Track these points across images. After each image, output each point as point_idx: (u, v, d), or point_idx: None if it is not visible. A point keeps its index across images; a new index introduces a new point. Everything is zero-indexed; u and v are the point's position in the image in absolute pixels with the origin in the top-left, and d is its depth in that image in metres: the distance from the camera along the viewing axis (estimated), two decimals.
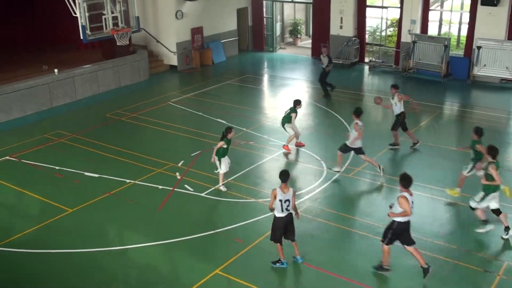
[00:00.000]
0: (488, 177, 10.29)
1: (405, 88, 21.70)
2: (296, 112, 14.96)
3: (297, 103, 15.00)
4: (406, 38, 23.31)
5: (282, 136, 15.86)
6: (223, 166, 12.61)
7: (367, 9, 24.98)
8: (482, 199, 10.58)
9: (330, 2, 25.27)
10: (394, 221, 9.30)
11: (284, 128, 15.06)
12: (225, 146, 12.38)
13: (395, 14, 25.59)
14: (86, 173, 13.82)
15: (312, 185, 12.99)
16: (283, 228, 9.62)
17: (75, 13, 17.56)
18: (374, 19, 26.59)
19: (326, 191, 12.78)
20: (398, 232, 9.35)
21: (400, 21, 23.78)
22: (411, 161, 14.66)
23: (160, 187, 13.04)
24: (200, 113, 18.30)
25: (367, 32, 25.85)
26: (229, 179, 13.31)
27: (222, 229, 11.12)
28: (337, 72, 23.99)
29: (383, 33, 26.14)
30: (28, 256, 10.44)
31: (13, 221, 11.88)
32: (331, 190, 12.82)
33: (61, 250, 10.59)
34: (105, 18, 18.33)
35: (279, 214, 9.50)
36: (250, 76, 23.65)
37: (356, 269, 9.83)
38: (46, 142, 16.02)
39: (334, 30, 25.57)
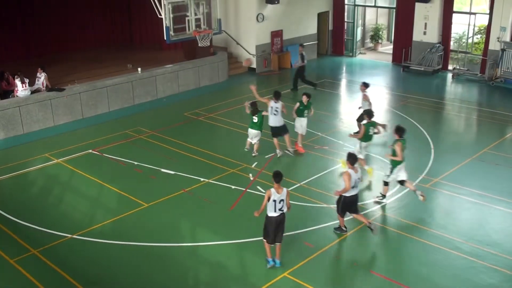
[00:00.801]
0: (393, 152, 11.68)
1: (492, 98, 20.80)
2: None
3: (306, 96, 14.89)
4: (494, 45, 22.28)
5: (358, 142, 15.57)
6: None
7: (454, 15, 24.10)
8: (391, 172, 11.89)
9: (415, 7, 24.62)
10: (341, 196, 10.65)
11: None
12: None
13: (483, 20, 24.51)
14: (163, 170, 14.22)
15: (388, 194, 12.65)
16: (276, 227, 9.65)
17: (160, 15, 18.11)
18: (460, 26, 25.60)
19: (401, 200, 12.42)
20: (348, 205, 10.80)
21: (488, 28, 22.76)
22: (497, 174, 13.94)
23: (233, 187, 13.18)
24: None
25: (452, 38, 24.94)
26: (301, 183, 13.25)
27: (292, 233, 11.06)
28: (419, 79, 23.36)
29: (470, 40, 25.10)
30: (105, 246, 10.87)
31: (93, 212, 12.41)
32: (406, 200, 12.45)
33: (136, 242, 10.94)
34: (188, 20, 18.76)
35: (271, 213, 9.58)
36: (327, 81, 23.45)
37: (425, 282, 9.47)
38: (126, 138, 16.65)
39: (417, 36, 24.89)
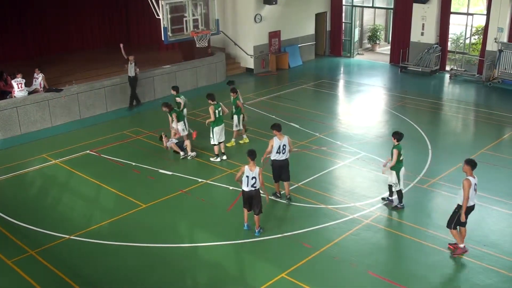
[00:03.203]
0: (398, 157, 11.55)
1: (489, 99, 20.85)
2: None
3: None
4: (491, 46, 22.33)
5: (356, 143, 15.64)
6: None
7: (451, 15, 24.14)
8: (398, 179, 11.67)
9: (412, 8, 24.66)
10: (270, 159, 11.97)
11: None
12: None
13: (480, 21, 24.55)
14: (161, 170, 14.21)
15: (385, 194, 12.66)
16: (248, 200, 10.83)
17: (158, 15, 18.10)
18: (457, 26, 25.65)
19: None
20: (276, 168, 11.93)
21: (486, 28, 22.80)
22: (495, 175, 13.97)
23: (231, 188, 13.18)
24: (274, 116, 18.33)
25: (449, 39, 24.98)
26: (299, 184, 13.27)
27: (290, 233, 11.08)
28: (416, 80, 23.40)
29: (467, 41, 25.15)
30: (103, 246, 10.86)
31: (91, 212, 12.39)
32: (404, 200, 12.42)
33: (134, 243, 10.93)
34: (186, 21, 18.75)
35: (245, 188, 10.76)
36: (325, 81, 23.47)
37: (423, 282, 9.48)
38: (124, 139, 16.63)
39: (414, 36, 24.94)
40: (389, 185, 12.07)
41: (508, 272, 9.67)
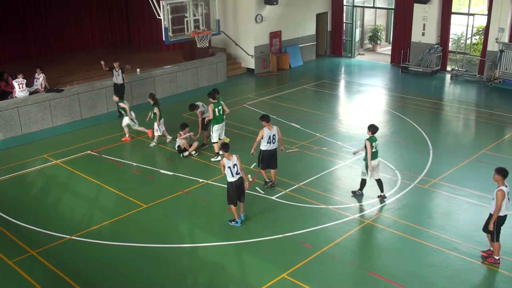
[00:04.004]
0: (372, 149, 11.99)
1: (490, 99, 20.83)
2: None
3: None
4: (492, 47, 22.31)
5: (357, 143, 15.61)
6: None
7: (452, 16, 24.13)
8: (366, 169, 12.14)
9: (413, 8, 24.66)
10: (261, 150, 12.58)
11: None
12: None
13: (481, 21, 24.54)
14: (161, 171, 14.22)
15: (386, 194, 12.66)
16: (236, 191, 11.12)
17: (159, 15, 18.11)
18: (458, 27, 25.64)
19: (399, 201, 12.42)
20: (266, 157, 12.60)
21: (487, 29, 22.79)
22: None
23: None
24: (274, 117, 18.33)
25: (450, 39, 24.97)
26: (300, 184, 13.27)
27: (291, 234, 11.08)
28: (417, 80, 23.38)
29: (468, 41, 25.13)
30: (103, 246, 10.87)
31: (92, 213, 12.40)
32: (405, 201, 12.46)
33: (134, 243, 10.94)
34: (187, 21, 18.76)
35: (230, 179, 11.08)
36: (326, 82, 23.47)
37: (424, 283, 9.48)
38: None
39: (415, 37, 24.93)
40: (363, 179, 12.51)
41: (508, 272, 9.66)
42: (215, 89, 15.14)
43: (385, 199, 12.41)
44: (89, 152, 15.71)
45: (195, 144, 15.24)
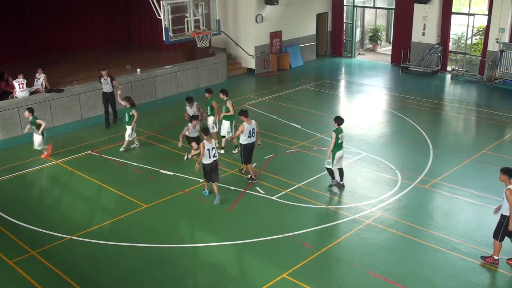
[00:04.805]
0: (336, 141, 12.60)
1: (490, 99, 20.83)
2: None
3: None
4: (493, 47, 22.31)
5: (357, 144, 15.63)
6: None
7: (452, 16, 24.13)
8: (332, 159, 12.68)
9: (414, 8, 24.66)
10: (241, 144, 13.17)
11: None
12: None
13: (482, 21, 24.54)
14: (162, 171, 14.22)
15: (386, 195, 12.68)
16: (211, 172, 12.14)
17: (159, 15, 18.10)
18: (459, 27, 25.64)
19: (400, 202, 12.42)
20: (248, 151, 13.07)
21: (487, 29, 22.78)
22: (496, 175, 13.93)
23: (232, 188, 13.18)
24: (275, 117, 18.36)
25: (451, 39, 24.96)
26: (300, 184, 13.28)
27: (291, 234, 11.08)
28: (417, 80, 23.38)
29: (468, 41, 25.13)
30: (104, 247, 10.87)
31: (92, 213, 12.41)
32: (405, 201, 12.46)
33: (135, 243, 10.94)
34: (187, 21, 18.76)
35: (206, 161, 12.02)
36: (326, 82, 23.47)
37: (424, 283, 9.48)
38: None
39: (416, 37, 24.93)
40: (328, 168, 12.91)
41: (508, 272, 9.66)
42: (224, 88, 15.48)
43: (343, 188, 13.00)
44: (89, 152, 15.71)
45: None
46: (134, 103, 15.77)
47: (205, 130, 12.19)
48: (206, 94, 15.49)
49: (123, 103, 15.66)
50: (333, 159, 12.66)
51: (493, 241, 9.89)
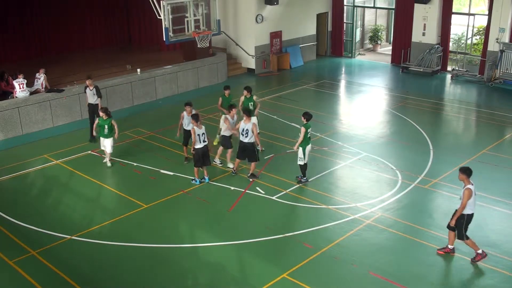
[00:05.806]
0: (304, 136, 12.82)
1: (491, 99, 20.83)
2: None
3: None
4: (493, 47, 22.32)
5: (357, 143, 15.63)
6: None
7: (453, 16, 24.13)
8: (304, 154, 12.90)
9: (414, 8, 24.66)
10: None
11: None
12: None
13: (482, 21, 24.54)
14: (162, 171, 14.22)
15: (386, 195, 12.68)
16: (202, 156, 12.93)
17: (160, 16, 18.12)
18: (459, 27, 25.65)
19: (400, 202, 12.42)
20: (240, 148, 13.28)
21: (487, 29, 22.79)
22: (496, 175, 13.94)
23: (232, 188, 13.19)
24: (275, 117, 18.36)
25: (451, 39, 24.97)
26: (301, 184, 13.28)
27: (291, 234, 11.08)
28: (418, 80, 23.39)
29: (469, 41, 25.13)
30: (104, 247, 10.87)
31: (92, 213, 12.40)
32: (405, 201, 12.46)
33: (135, 243, 10.94)
34: (187, 21, 18.78)
35: (198, 145, 12.85)
36: (326, 82, 23.47)
37: (424, 283, 9.48)
38: (126, 139, 16.63)
39: (416, 37, 24.93)
40: (299, 164, 13.15)
41: (509, 273, 9.66)
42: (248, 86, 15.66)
43: (301, 183, 13.23)
44: (89, 152, 15.71)
45: (219, 151, 14.61)
46: (110, 114, 14.46)
47: (194, 116, 12.83)
48: (226, 92, 15.57)
49: (101, 113, 14.42)
50: (304, 154, 12.91)
51: (464, 242, 9.97)
